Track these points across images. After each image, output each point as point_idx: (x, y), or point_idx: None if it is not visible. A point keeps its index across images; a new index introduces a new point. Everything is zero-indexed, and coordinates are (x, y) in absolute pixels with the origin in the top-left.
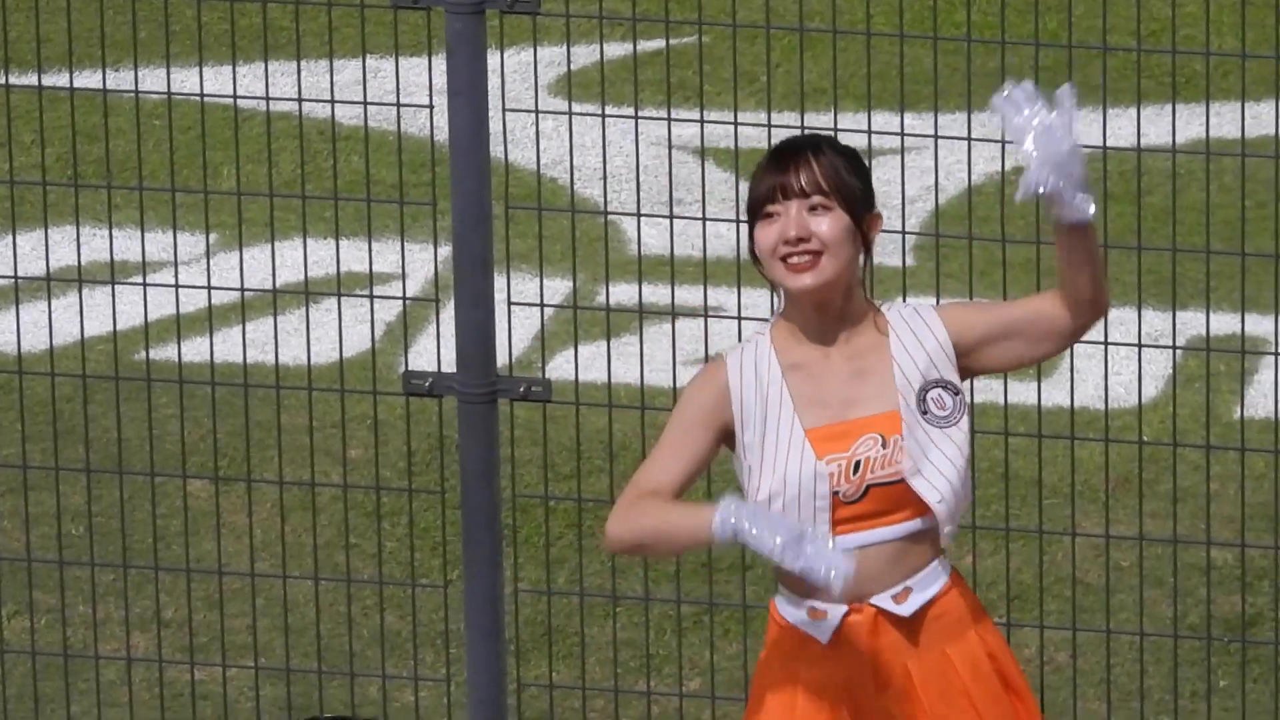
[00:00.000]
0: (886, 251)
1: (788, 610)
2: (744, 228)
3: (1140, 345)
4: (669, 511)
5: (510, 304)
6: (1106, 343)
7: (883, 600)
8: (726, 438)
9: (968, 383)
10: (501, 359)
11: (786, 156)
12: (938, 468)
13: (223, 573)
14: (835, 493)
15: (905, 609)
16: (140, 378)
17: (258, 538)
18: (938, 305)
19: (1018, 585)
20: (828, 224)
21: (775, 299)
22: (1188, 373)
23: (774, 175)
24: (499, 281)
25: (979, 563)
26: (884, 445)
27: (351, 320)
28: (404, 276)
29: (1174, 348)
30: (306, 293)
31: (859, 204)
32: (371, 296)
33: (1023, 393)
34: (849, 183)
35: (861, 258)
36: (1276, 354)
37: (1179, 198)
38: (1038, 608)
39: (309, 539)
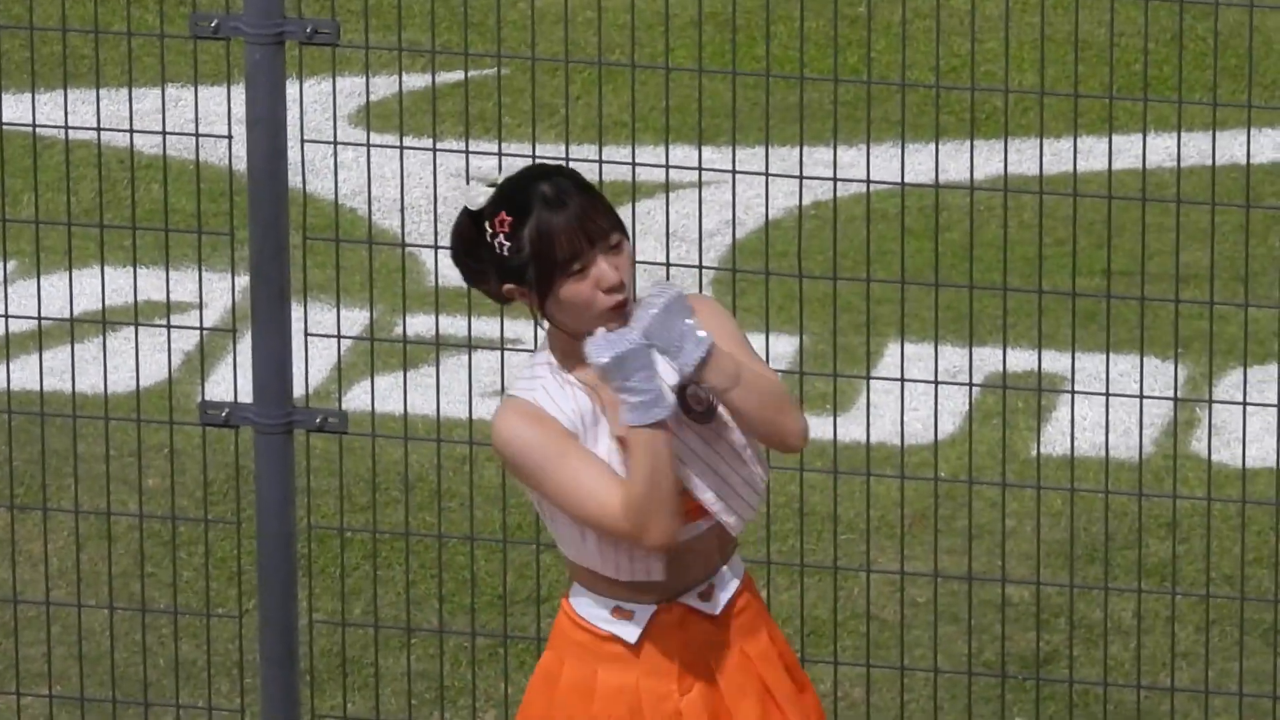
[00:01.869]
0: (684, 286)
1: (588, 610)
2: None
3: (937, 382)
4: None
5: (307, 335)
6: (903, 379)
7: (690, 598)
8: None
9: None
10: (299, 390)
11: (563, 198)
12: (708, 465)
13: (17, 601)
14: None
15: (712, 607)
16: None
17: (53, 566)
18: (700, 298)
19: (813, 621)
20: (624, 262)
21: (539, 328)
22: (985, 409)
23: (567, 225)
24: (296, 312)
25: (774, 597)
26: None
27: (149, 349)
28: (202, 306)
29: (970, 385)
30: (104, 321)
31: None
32: (169, 326)
33: (819, 428)
34: (610, 206)
35: None
36: (1073, 392)
37: (977, 234)
38: (832, 643)
39: (105, 568)
